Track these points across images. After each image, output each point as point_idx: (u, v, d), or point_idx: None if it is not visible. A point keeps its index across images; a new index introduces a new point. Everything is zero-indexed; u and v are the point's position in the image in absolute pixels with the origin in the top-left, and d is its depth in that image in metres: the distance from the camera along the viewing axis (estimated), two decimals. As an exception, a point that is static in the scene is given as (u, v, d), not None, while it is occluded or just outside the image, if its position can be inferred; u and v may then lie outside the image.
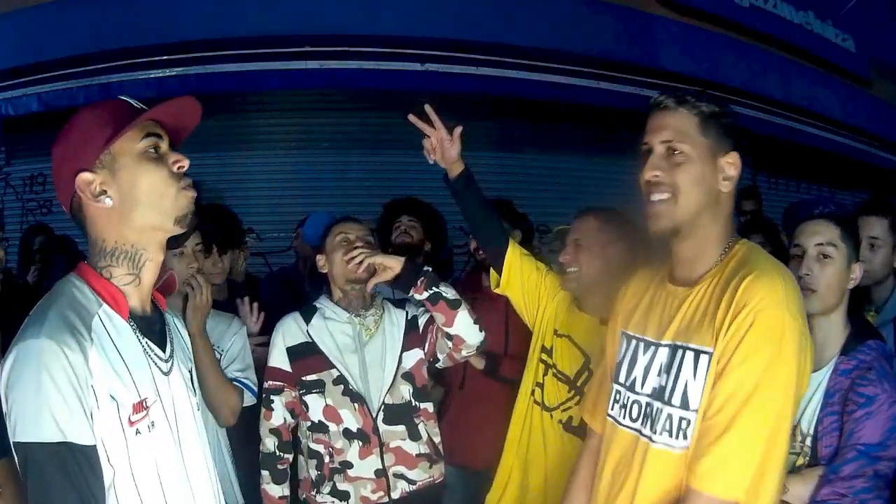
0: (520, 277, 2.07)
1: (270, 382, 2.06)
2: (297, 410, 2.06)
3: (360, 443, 1.97)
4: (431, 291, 1.94)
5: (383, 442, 1.98)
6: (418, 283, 1.94)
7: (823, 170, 6.70)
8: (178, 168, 1.14)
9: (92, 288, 1.11)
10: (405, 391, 2.03)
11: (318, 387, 2.01)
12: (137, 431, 1.06)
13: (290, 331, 2.07)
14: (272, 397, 2.06)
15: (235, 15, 4.57)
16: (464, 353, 2.04)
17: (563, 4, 5.19)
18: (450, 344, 2.01)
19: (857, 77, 7.00)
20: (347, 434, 1.98)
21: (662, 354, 1.32)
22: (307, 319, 2.08)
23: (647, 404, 1.33)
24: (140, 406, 1.07)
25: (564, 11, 5.13)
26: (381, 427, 1.99)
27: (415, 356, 2.07)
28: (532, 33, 4.98)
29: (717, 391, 1.20)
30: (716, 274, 1.29)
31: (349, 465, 1.97)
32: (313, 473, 2.02)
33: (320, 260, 2.10)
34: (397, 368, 2.04)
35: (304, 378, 2.03)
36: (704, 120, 1.30)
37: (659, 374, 1.32)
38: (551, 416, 1.98)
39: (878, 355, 1.59)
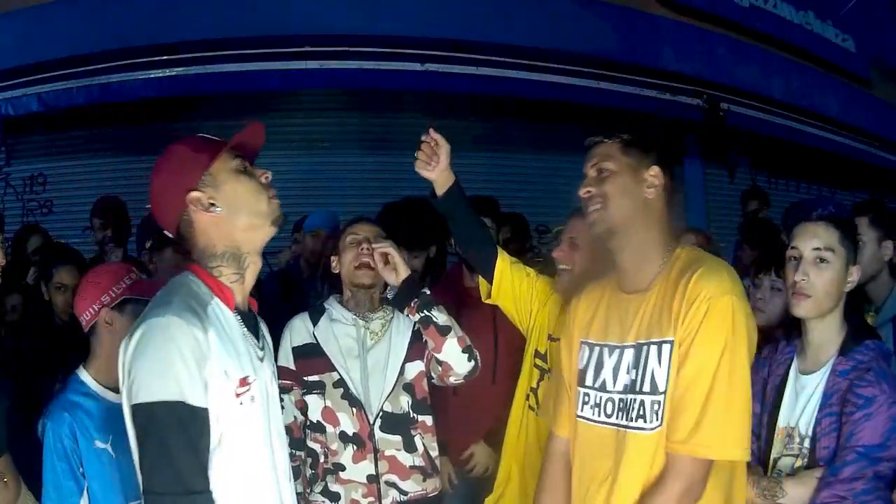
0: (511, 285, 2.06)
1: (280, 381, 2.07)
2: (303, 409, 2.07)
3: (355, 447, 1.98)
4: (423, 314, 1.96)
5: (378, 449, 1.98)
6: (412, 303, 1.95)
7: (823, 170, 6.70)
8: (265, 179, 1.37)
9: (205, 283, 1.30)
10: (405, 402, 2.03)
11: (319, 388, 2.02)
12: (241, 403, 1.25)
13: (296, 331, 2.09)
14: (282, 396, 2.06)
15: (235, 15, 4.57)
16: (452, 379, 2.03)
17: (563, 4, 5.19)
18: (439, 368, 2.01)
19: (857, 77, 6.99)
20: (343, 437, 1.98)
21: (628, 355, 1.44)
22: (314, 320, 2.09)
23: (621, 399, 1.44)
24: (244, 381, 1.26)
25: (564, 11, 5.13)
26: (378, 434, 1.99)
27: (416, 368, 2.07)
28: (532, 33, 4.98)
29: (684, 371, 1.34)
30: (664, 278, 1.44)
31: (342, 468, 1.98)
32: (308, 472, 2.03)
33: (333, 261, 2.12)
34: (398, 378, 2.03)
35: (306, 378, 2.04)
36: (625, 144, 1.50)
37: (628, 372, 1.44)
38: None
39: (876, 355, 1.57)
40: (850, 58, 6.96)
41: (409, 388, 2.04)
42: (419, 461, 2.03)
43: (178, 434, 1.15)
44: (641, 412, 1.39)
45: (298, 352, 2.06)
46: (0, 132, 4.79)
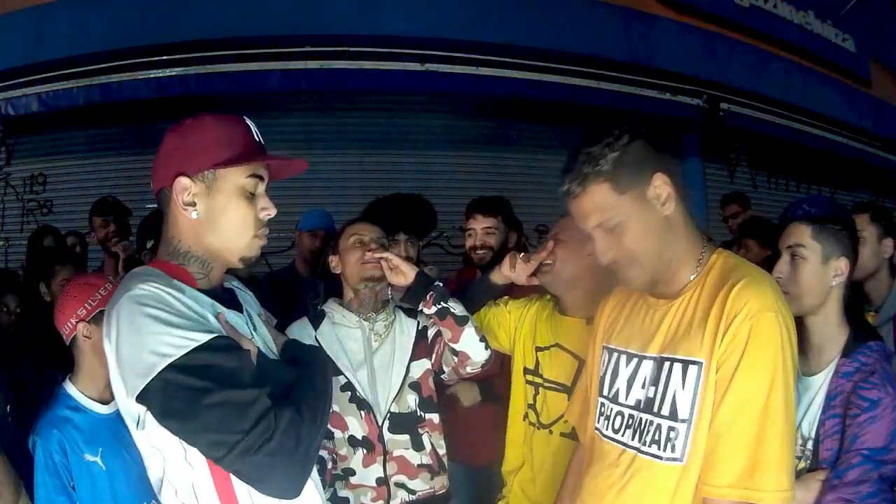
0: (486, 324, 2.14)
1: None
2: None
3: (365, 451, 1.96)
4: (440, 306, 1.92)
5: (387, 450, 1.97)
6: (427, 297, 1.93)
7: (823, 170, 6.69)
8: (265, 215, 1.23)
9: (162, 269, 1.19)
10: (411, 400, 2.01)
11: None
12: None
13: (298, 337, 2.05)
14: None
15: (235, 15, 4.57)
16: (468, 369, 2.00)
17: (563, 4, 5.19)
18: (455, 359, 1.99)
19: (857, 77, 7.00)
20: (352, 441, 1.97)
21: (647, 367, 1.34)
22: (315, 325, 2.06)
23: (631, 416, 1.35)
24: None
25: (564, 11, 5.13)
26: (387, 435, 1.97)
27: (422, 366, 2.05)
28: (532, 33, 4.97)
29: (731, 401, 1.20)
30: (697, 284, 1.32)
31: (352, 473, 1.96)
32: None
33: (333, 261, 2.09)
34: (405, 377, 2.02)
35: None
36: (611, 176, 1.26)
37: (644, 387, 1.33)
38: (550, 431, 1.95)
39: (879, 357, 1.55)
40: (850, 58, 6.97)
41: (415, 386, 2.03)
42: (427, 459, 2.01)
43: (235, 357, 1.07)
44: (656, 437, 1.28)
45: None
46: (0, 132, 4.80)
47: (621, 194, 1.27)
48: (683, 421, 1.25)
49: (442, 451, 2.06)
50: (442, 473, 2.05)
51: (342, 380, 1.99)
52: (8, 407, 1.80)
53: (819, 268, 1.60)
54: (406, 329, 2.09)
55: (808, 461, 1.56)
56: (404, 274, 1.94)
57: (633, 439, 1.33)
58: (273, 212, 1.23)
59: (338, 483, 1.97)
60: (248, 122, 1.25)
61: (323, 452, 1.99)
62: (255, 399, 1.04)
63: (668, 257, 1.32)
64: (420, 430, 2.01)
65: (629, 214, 1.27)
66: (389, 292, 2.13)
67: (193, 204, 1.18)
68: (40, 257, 3.28)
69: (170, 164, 1.19)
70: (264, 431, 1.03)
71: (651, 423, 1.29)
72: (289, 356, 1.29)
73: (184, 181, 1.17)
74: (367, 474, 1.96)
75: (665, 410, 1.27)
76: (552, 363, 1.98)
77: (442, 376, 2.09)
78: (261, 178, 1.22)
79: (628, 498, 1.31)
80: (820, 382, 1.59)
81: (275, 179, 1.29)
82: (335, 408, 1.97)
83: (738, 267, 1.30)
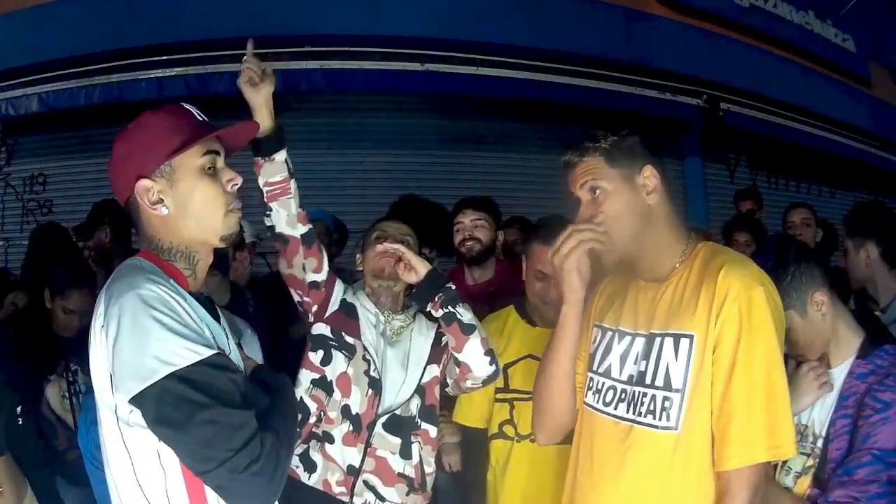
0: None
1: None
2: (321, 303, 1.94)
3: (352, 427, 1.85)
4: (447, 310, 1.81)
5: (371, 444, 1.86)
6: (436, 298, 1.83)
7: (823, 170, 6.70)
8: (232, 186, 1.22)
9: (156, 265, 1.17)
10: (414, 405, 1.92)
11: (350, 351, 1.90)
12: None
13: (346, 289, 2.00)
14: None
15: (235, 15, 4.57)
16: (469, 383, 1.88)
17: (563, 4, 5.20)
18: (457, 370, 1.87)
19: (857, 77, 7.00)
20: (345, 411, 1.86)
21: (639, 344, 1.41)
22: (351, 290, 2.02)
23: (623, 390, 1.41)
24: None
25: (564, 11, 5.14)
26: (378, 429, 1.87)
27: (431, 372, 1.97)
28: (532, 33, 4.98)
29: (737, 378, 1.28)
30: (684, 269, 1.41)
31: (330, 440, 1.85)
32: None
33: (358, 259, 2.05)
34: (419, 379, 1.94)
35: (343, 333, 1.92)
36: (608, 153, 1.39)
37: (636, 362, 1.41)
38: (531, 440, 1.92)
39: (894, 360, 1.55)
40: (850, 58, 6.97)
41: (420, 390, 1.94)
42: (410, 471, 1.89)
43: (227, 380, 1.06)
44: (651, 408, 1.34)
45: (345, 305, 1.96)
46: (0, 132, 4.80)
47: (612, 167, 1.39)
48: (677, 391, 1.32)
49: (430, 470, 1.95)
50: (420, 493, 1.92)
51: (360, 348, 1.90)
52: (19, 408, 1.78)
53: (807, 322, 1.58)
54: (426, 332, 2.01)
55: (817, 459, 1.57)
56: (416, 270, 1.83)
57: (627, 412, 1.39)
58: (239, 180, 1.23)
59: (313, 443, 1.86)
60: (187, 105, 1.23)
61: (311, 404, 1.87)
62: (246, 421, 1.06)
63: (644, 244, 1.40)
64: (413, 439, 1.91)
65: (615, 187, 1.38)
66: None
67: (161, 201, 1.17)
68: (54, 265, 3.11)
69: (125, 171, 1.17)
70: (251, 453, 1.04)
71: (645, 394, 1.36)
72: (259, 380, 1.29)
73: (144, 183, 1.16)
74: (343, 454, 1.84)
75: (659, 381, 1.35)
76: (525, 374, 1.93)
77: (446, 389, 1.99)
78: (216, 152, 1.21)
79: (629, 469, 1.35)
80: (833, 381, 1.59)
81: (234, 151, 1.29)
82: (350, 370, 1.88)
83: (722, 252, 1.41)
